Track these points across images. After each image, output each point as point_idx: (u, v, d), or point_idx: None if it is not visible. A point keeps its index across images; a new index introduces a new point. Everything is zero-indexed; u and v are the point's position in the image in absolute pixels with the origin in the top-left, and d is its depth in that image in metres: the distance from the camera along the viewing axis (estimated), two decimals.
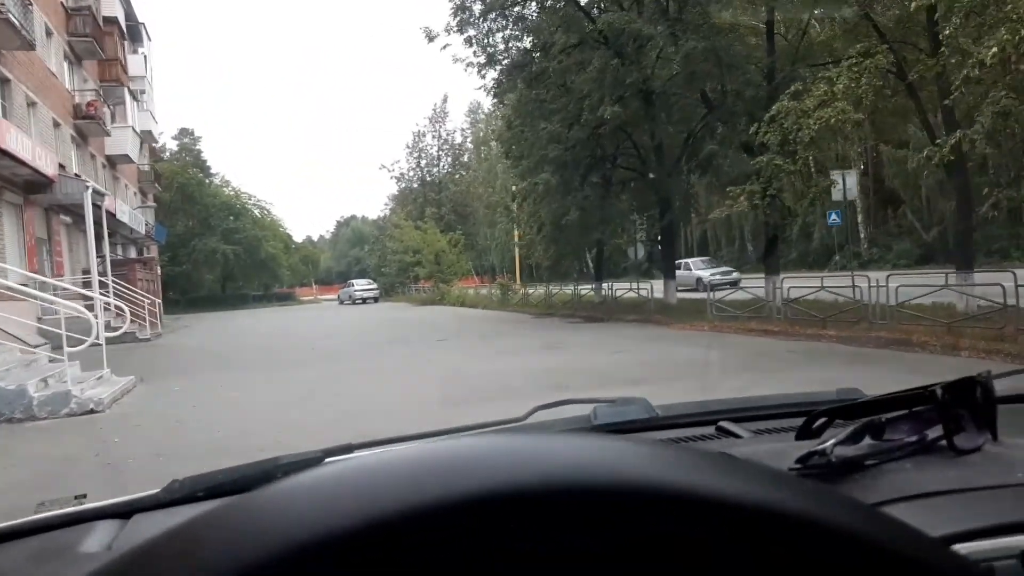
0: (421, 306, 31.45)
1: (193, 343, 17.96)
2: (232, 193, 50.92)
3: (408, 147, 55.39)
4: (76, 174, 20.60)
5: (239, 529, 0.30)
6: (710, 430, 1.17)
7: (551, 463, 0.32)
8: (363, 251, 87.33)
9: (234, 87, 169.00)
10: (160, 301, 34.29)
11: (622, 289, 18.89)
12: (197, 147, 61.17)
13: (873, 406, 0.91)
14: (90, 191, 18.19)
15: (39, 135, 19.53)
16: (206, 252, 46.45)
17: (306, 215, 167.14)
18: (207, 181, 50.82)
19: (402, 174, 56.09)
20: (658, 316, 15.42)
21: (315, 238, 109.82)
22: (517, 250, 36.58)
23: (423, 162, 52.67)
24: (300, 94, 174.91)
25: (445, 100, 78.98)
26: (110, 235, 26.93)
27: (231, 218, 48.50)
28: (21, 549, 0.83)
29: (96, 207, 19.64)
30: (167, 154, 53.30)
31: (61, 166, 20.84)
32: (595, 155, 16.95)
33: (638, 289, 17.81)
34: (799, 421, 1.01)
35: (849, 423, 0.88)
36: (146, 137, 36.62)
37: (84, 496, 1.01)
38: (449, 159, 52.73)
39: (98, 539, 0.84)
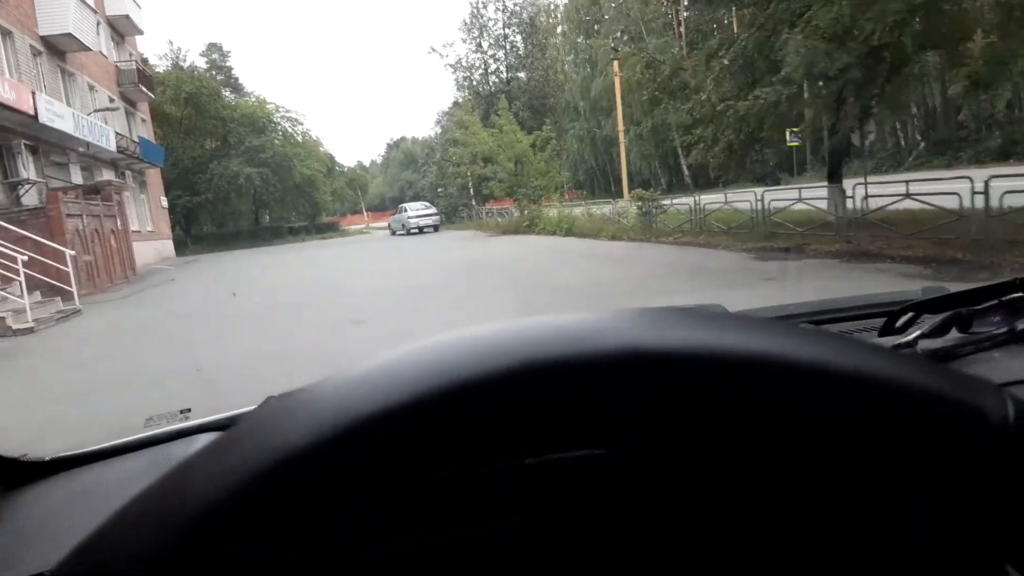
0: (502, 236, 22.39)
1: (78, 346, 9.28)
2: (254, 102, 42.03)
3: (465, 24, 43.14)
4: None
5: (299, 413, 0.31)
6: None
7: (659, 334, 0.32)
8: (415, 173, 79.05)
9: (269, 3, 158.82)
10: (165, 242, 26.25)
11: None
12: (227, 63, 52.32)
13: (959, 299, 0.86)
14: None
15: None
16: (227, 177, 38.06)
17: (355, 141, 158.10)
18: (222, 90, 41.94)
19: (459, 60, 43.66)
20: None
21: (366, 164, 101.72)
22: (624, 152, 26.69)
23: (485, 44, 40.93)
24: (341, 10, 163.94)
25: None
26: (48, 150, 18.42)
27: (254, 134, 39.79)
28: (138, 461, 0.88)
29: None
30: (194, 73, 44.66)
31: None
32: None
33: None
34: (883, 322, 0.94)
35: (935, 317, 0.84)
36: (122, 26, 27.74)
37: (188, 410, 1.06)
38: (519, 38, 40.67)
39: None
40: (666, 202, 15.28)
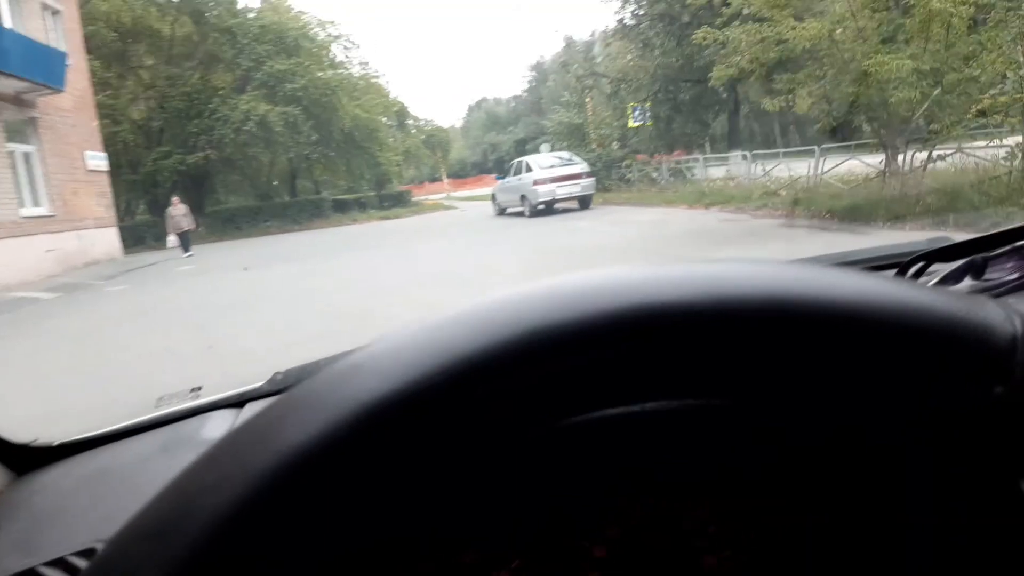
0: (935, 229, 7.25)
1: None
2: (283, 10, 27.58)
3: None
4: None
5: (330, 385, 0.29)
6: None
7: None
8: (500, 134, 67.14)
9: None
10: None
11: None
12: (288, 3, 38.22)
13: (972, 247, 0.84)
14: None
15: None
16: (233, 122, 23.84)
17: (431, 104, 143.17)
18: None
19: None
20: None
21: (445, 127, 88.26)
22: None
23: None
24: None
25: None
26: None
27: (280, 56, 25.39)
28: (151, 441, 0.87)
29: None
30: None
31: None
32: None
33: None
34: (892, 273, 0.90)
35: (947, 266, 0.82)
36: None
37: (199, 388, 1.04)
38: None
39: (217, 427, 0.88)
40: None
